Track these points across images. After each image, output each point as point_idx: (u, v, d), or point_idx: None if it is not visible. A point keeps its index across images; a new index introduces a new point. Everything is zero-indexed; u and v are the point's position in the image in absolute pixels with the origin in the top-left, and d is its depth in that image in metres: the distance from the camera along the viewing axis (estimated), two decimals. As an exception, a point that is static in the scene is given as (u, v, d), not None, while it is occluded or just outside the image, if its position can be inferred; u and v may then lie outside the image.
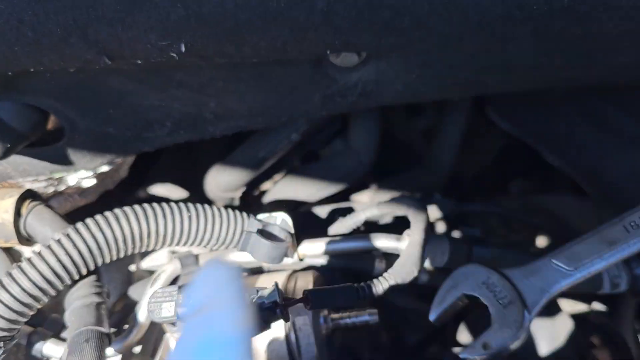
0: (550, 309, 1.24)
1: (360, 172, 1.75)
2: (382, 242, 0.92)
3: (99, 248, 0.84)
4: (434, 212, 1.66)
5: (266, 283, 0.97)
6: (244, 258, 0.94)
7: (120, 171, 1.29)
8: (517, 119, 1.45)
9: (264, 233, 0.87)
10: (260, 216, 0.90)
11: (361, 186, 1.90)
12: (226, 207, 1.79)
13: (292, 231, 0.88)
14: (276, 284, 0.75)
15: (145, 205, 0.90)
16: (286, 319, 0.76)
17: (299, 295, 0.92)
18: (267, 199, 1.84)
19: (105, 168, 1.14)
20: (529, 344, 1.26)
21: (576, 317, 1.22)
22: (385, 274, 0.81)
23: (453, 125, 1.77)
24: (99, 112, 0.94)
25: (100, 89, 0.88)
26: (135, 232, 0.87)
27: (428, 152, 1.88)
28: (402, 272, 0.81)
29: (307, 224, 1.65)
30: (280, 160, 1.76)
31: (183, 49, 0.71)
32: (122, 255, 0.88)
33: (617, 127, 1.27)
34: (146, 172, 1.79)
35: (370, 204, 1.23)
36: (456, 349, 0.94)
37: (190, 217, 0.91)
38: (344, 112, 1.04)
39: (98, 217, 0.87)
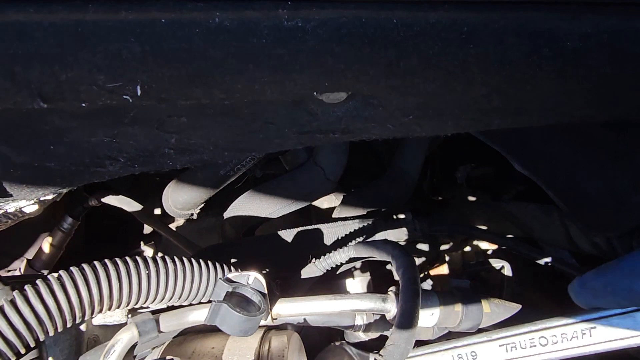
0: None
1: (327, 189, 1.65)
2: (366, 304, 0.80)
3: (40, 323, 0.70)
4: (404, 233, 1.58)
5: (236, 346, 0.84)
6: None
7: (68, 184, 1.16)
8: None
9: (234, 297, 0.74)
10: (231, 275, 0.78)
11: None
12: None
13: (265, 291, 0.76)
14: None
15: (96, 264, 0.76)
16: None
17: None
18: (228, 213, 1.73)
19: (49, 197, 1.00)
20: None
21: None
22: (377, 356, 0.69)
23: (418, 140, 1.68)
24: (36, 149, 0.80)
25: (36, 126, 0.73)
26: (85, 299, 0.73)
27: (391, 163, 1.80)
28: (395, 353, 0.69)
29: (271, 248, 1.55)
30: (240, 167, 1.64)
31: (139, 92, 0.58)
32: (69, 325, 0.74)
33: (597, 141, 1.19)
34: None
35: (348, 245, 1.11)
36: None
37: (149, 275, 0.77)
38: (314, 144, 0.92)
39: (39, 282, 0.72)
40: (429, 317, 0.84)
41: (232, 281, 0.76)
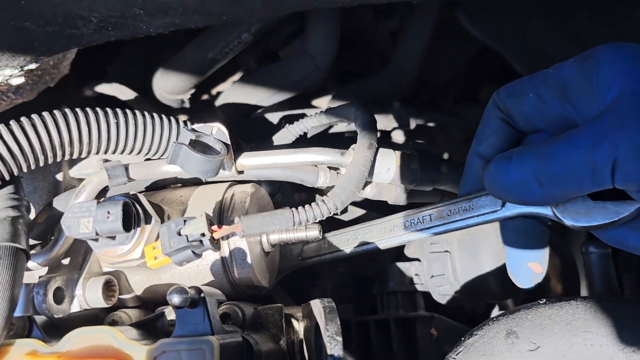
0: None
1: (316, 78, 1.67)
2: (325, 157, 0.86)
3: (12, 157, 0.76)
4: (390, 121, 1.61)
5: (202, 195, 0.91)
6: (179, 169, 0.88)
7: (60, 67, 1.19)
8: (488, 25, 1.37)
9: (197, 144, 0.80)
10: (195, 126, 0.83)
11: (322, 90, 1.83)
12: (169, 109, 1.74)
13: (228, 142, 0.82)
14: (205, 215, 0.70)
15: (67, 110, 0.82)
16: (217, 249, 0.72)
17: (237, 209, 0.88)
18: (219, 102, 1.77)
19: (32, 66, 1.04)
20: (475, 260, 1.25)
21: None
22: (324, 197, 0.76)
23: (419, 30, 1.68)
24: (9, 4, 0.83)
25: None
26: (55, 140, 0.79)
27: (393, 56, 1.81)
28: (341, 195, 0.76)
29: (257, 130, 1.60)
30: (235, 61, 1.67)
31: None
32: (41, 164, 0.80)
33: (589, 38, 1.21)
34: (94, 69, 1.68)
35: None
36: None
37: (117, 124, 0.83)
38: (291, 11, 0.95)
39: (12, 123, 0.78)
40: (385, 172, 0.89)
41: (196, 131, 0.82)
